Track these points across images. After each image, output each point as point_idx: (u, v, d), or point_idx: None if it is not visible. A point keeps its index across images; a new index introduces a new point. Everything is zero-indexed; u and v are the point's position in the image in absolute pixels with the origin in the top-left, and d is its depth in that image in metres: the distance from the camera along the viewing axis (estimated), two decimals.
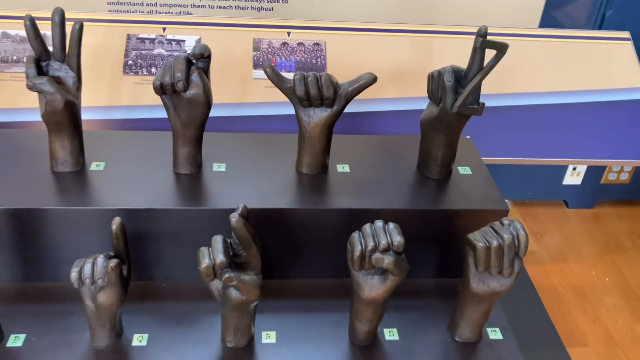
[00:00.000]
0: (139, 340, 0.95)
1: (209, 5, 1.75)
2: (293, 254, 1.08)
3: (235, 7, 1.76)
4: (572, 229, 2.46)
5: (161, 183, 1.06)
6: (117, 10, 1.73)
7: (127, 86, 1.43)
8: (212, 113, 1.04)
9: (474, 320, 0.97)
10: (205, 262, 0.83)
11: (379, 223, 0.87)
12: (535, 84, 1.56)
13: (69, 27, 0.99)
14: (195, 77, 0.98)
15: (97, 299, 0.87)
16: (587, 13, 2.11)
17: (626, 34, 1.65)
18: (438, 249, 1.11)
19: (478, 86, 1.00)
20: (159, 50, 1.48)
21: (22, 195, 1.00)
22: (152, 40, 1.48)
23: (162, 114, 1.05)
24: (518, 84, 1.55)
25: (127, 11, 1.73)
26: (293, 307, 1.04)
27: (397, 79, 1.51)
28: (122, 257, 0.89)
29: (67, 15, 1.00)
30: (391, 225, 0.86)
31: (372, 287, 0.87)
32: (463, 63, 1.04)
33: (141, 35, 1.49)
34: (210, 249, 0.85)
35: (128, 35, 1.49)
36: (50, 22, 0.99)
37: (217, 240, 0.85)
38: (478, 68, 1.00)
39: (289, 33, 1.54)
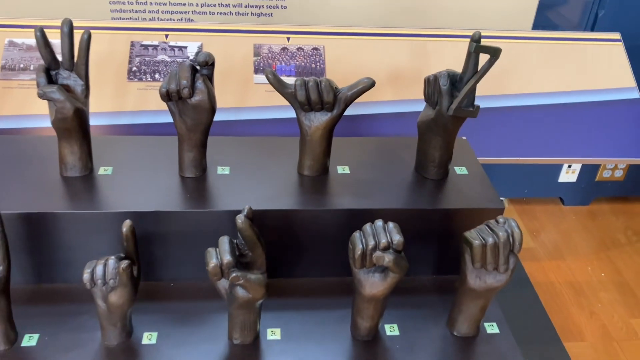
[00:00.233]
0: (148, 338, 0.96)
1: (209, 12, 1.76)
2: (296, 254, 1.09)
3: (236, 13, 1.76)
4: (568, 226, 2.46)
5: (167, 186, 1.07)
6: (120, 18, 1.73)
7: (132, 92, 1.43)
8: (216, 117, 1.05)
9: (472, 315, 0.98)
10: (212, 262, 0.85)
11: (379, 222, 0.88)
12: (529, 85, 1.56)
13: (76, 35, 1.00)
14: (200, 84, 0.99)
15: (109, 299, 0.88)
16: (580, 14, 2.12)
17: (617, 35, 1.66)
18: (436, 247, 1.12)
19: (473, 89, 1.02)
20: (162, 57, 1.48)
21: (34, 200, 1.01)
22: (155, 47, 1.49)
23: (166, 119, 1.05)
24: (512, 86, 1.55)
25: (130, 18, 1.73)
26: (297, 305, 1.05)
27: (395, 82, 1.52)
28: (133, 258, 0.90)
29: None
30: (391, 224, 0.88)
31: (373, 284, 0.89)
32: (458, 65, 1.05)
33: (144, 42, 1.50)
34: (217, 249, 0.86)
35: (132, 42, 1.49)
36: (55, 30, 0.99)
37: (224, 241, 0.86)
38: (472, 72, 1.01)
39: (288, 38, 1.55)
